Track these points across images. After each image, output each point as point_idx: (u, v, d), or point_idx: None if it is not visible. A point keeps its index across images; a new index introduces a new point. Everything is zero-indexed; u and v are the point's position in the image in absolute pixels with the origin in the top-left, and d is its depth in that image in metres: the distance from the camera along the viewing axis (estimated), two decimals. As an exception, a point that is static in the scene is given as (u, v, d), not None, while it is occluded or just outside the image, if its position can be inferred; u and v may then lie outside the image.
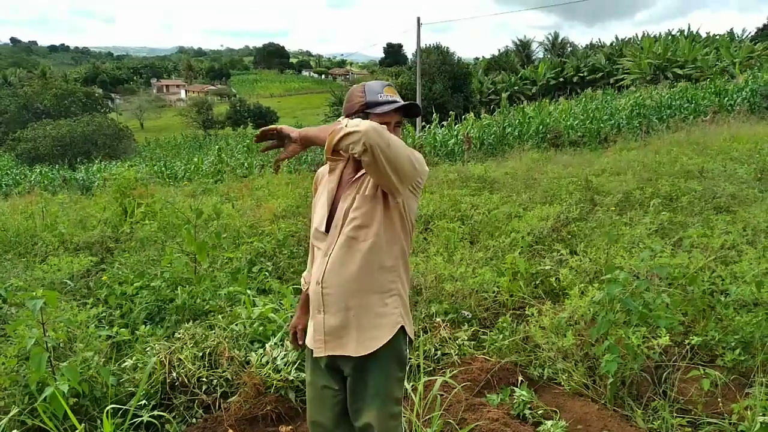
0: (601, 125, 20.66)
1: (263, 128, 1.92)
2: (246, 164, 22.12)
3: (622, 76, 48.07)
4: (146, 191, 8.62)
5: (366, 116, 2.11)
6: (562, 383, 3.58)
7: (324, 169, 2.36)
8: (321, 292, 2.15)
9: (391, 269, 2.16)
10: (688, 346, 3.59)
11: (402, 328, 2.18)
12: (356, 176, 2.19)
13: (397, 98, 2.17)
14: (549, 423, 3.11)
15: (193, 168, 23.38)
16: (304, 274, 2.55)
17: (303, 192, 9.64)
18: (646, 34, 53.01)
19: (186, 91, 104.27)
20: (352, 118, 2.01)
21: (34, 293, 2.97)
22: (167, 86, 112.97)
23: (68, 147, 35.26)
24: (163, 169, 24.21)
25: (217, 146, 26.91)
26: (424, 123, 25.51)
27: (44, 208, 8.36)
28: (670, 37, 50.68)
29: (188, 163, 25.46)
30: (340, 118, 2.02)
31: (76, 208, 9.38)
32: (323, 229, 2.19)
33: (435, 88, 40.01)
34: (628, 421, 3.20)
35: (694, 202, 6.63)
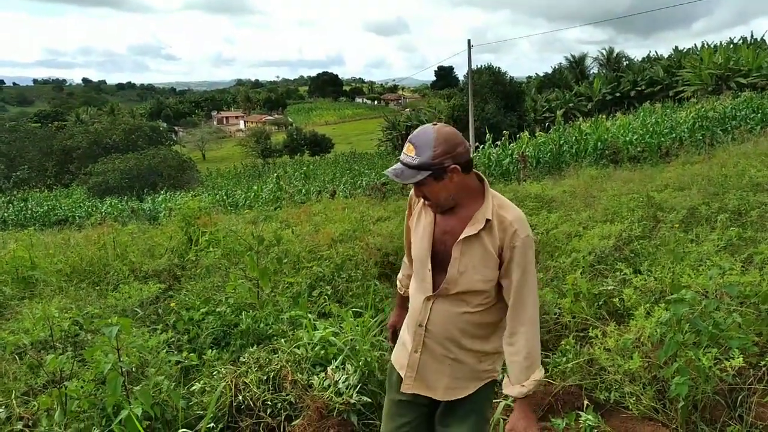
0: (662, 139, 20.03)
1: None
2: (304, 191, 22.60)
3: (682, 88, 46.53)
4: (209, 220, 8.93)
5: None
6: (630, 407, 3.46)
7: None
8: (422, 335, 2.18)
9: (492, 330, 2.20)
10: (764, 368, 3.41)
11: (492, 380, 2.27)
12: (462, 237, 2.08)
13: (405, 158, 2.01)
14: (617, 448, 3.01)
15: (253, 196, 24.08)
16: (399, 276, 2.68)
17: (359, 216, 9.76)
18: (705, 44, 51.30)
19: (245, 121, 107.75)
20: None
21: (109, 320, 3.13)
22: (227, 118, 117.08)
23: (135, 179, 36.96)
24: (224, 197, 25.05)
25: (275, 174, 27.58)
26: (477, 143, 25.42)
27: (115, 239, 8.78)
28: (731, 46, 48.84)
29: (248, 191, 26.22)
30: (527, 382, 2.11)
31: (144, 237, 9.80)
32: (429, 268, 2.15)
33: (488, 108, 39.91)
34: (702, 447, 3.07)
35: (765, 216, 6.33)
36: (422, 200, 2.20)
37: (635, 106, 38.59)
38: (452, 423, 2.22)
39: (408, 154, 1.99)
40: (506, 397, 3.38)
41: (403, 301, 2.63)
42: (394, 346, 2.57)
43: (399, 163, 2.03)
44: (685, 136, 20.13)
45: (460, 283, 2.08)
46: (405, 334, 2.31)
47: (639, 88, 51.98)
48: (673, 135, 20.40)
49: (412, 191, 2.28)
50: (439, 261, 2.12)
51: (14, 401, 3.49)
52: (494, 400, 3.37)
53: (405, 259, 2.62)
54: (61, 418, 3.18)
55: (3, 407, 3.39)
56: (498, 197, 2.12)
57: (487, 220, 2.04)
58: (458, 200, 2.09)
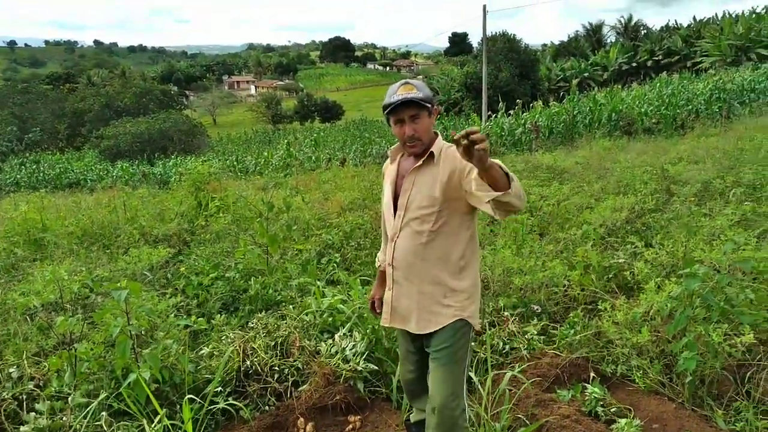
0: (678, 111, 19.67)
1: (471, 130, 1.87)
2: (314, 158, 22.52)
3: (700, 59, 45.49)
4: (219, 185, 8.94)
5: (387, 119, 2.41)
6: (637, 381, 3.46)
7: (386, 162, 2.69)
8: (391, 273, 2.50)
9: (450, 264, 2.42)
10: (775, 345, 3.39)
11: (461, 319, 2.44)
12: (416, 165, 2.43)
13: (409, 95, 2.31)
14: (623, 421, 3.01)
15: (263, 162, 24.05)
16: (378, 253, 2.90)
17: (368, 185, 9.72)
18: (726, 14, 49.94)
19: (256, 87, 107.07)
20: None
21: (119, 284, 3.14)
22: (238, 83, 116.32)
23: (146, 143, 36.95)
24: (234, 163, 25.04)
25: (285, 140, 27.50)
26: (490, 112, 25.13)
27: (125, 202, 8.82)
28: (753, 16, 47.53)
29: (258, 157, 26.18)
30: (509, 173, 2.09)
31: (155, 201, 9.83)
32: (391, 213, 2.51)
33: (501, 76, 39.26)
34: (707, 422, 3.07)
35: (781, 191, 6.23)
36: (388, 161, 2.64)
37: (651, 77, 37.87)
38: (430, 351, 2.49)
39: (410, 92, 2.33)
40: (512, 366, 3.39)
41: (383, 276, 2.81)
42: (375, 315, 2.96)
43: (397, 100, 2.31)
44: (702, 108, 19.77)
45: (410, 208, 2.41)
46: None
47: (656, 58, 50.90)
48: (689, 107, 20.04)
49: (386, 164, 2.69)
50: (400, 202, 2.47)
51: (25, 362, 3.54)
52: (499, 372, 3.38)
53: (382, 233, 2.81)
54: (71, 380, 3.23)
55: (15, 367, 3.44)
56: (448, 144, 2.42)
57: (431, 153, 2.39)
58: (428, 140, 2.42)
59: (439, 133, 2.53)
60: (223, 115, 79.62)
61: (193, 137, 41.42)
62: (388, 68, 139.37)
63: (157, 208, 8.85)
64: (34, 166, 31.57)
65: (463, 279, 2.45)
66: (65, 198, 13.08)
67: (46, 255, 6.33)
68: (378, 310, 2.81)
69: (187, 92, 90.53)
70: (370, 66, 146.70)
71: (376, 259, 2.92)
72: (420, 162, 2.41)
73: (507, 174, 2.06)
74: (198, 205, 8.07)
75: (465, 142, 1.86)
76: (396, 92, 2.35)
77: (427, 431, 2.54)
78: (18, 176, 28.66)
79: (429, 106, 2.37)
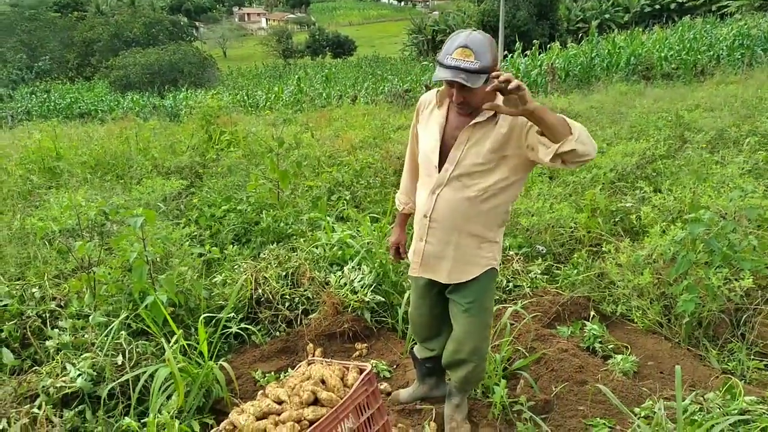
0: (699, 56, 19.12)
1: (508, 77, 1.84)
2: (324, 95, 22.28)
3: (727, 2, 43.82)
4: (229, 119, 8.93)
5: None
6: (636, 320, 3.56)
7: (429, 97, 2.44)
8: (427, 225, 2.37)
9: (493, 217, 2.34)
10: (773, 290, 3.46)
11: (492, 268, 2.43)
12: (472, 123, 2.22)
13: (463, 63, 2.02)
14: (619, 357, 3.13)
15: (273, 97, 23.84)
16: (398, 195, 2.76)
17: (380, 123, 9.68)
18: (759, -46, 47.71)
19: (267, 19, 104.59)
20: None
21: (135, 212, 3.23)
22: (249, 15, 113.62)
23: (156, 75, 36.62)
24: (245, 98, 24.82)
25: (296, 76, 27.14)
26: (506, 52, 24.56)
27: (137, 134, 8.86)
28: (787, -43, 45.40)
29: (269, 92, 25.93)
30: (560, 115, 2.00)
31: (166, 134, 9.86)
32: (436, 163, 2.31)
33: (519, 15, 38.08)
34: (701, 361, 3.18)
35: (796, 141, 6.17)
36: (432, 104, 2.39)
37: (675, 20, 36.58)
38: (458, 301, 2.46)
39: (467, 59, 2.02)
40: (515, 302, 3.50)
41: (404, 219, 2.79)
42: (398, 261, 2.92)
43: (454, 69, 2.03)
44: (724, 54, 19.19)
45: (462, 164, 2.25)
46: (415, 229, 2.50)
47: (680, 1, 49.07)
48: (711, 53, 19.46)
49: (422, 97, 2.47)
50: (446, 154, 2.29)
51: (47, 283, 3.69)
52: (502, 306, 3.49)
53: (405, 173, 2.71)
54: (90, 301, 3.37)
55: (37, 287, 3.58)
56: None
57: (495, 114, 2.16)
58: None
59: None
60: (233, 48, 78.20)
61: (204, 70, 40.94)
62: (402, 3, 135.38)
63: (168, 140, 8.89)
64: (45, 96, 31.51)
65: (500, 231, 2.43)
66: (77, 128, 13.12)
67: (61, 183, 6.43)
68: (402, 257, 2.77)
69: (197, 23, 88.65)
70: (384, 0, 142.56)
71: (396, 200, 2.78)
72: (482, 119, 2.20)
73: (565, 120, 1.98)
74: (209, 138, 8.10)
75: (496, 83, 1.85)
76: (452, 53, 2.03)
77: (454, 373, 2.60)
78: (29, 105, 28.64)
79: (486, 75, 2.04)
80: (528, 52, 21.99)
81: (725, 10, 41.85)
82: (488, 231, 2.36)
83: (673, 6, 48.69)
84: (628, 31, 25.92)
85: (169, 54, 39.08)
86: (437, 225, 2.35)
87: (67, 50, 47.49)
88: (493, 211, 2.32)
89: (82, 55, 47.46)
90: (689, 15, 37.72)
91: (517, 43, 23.34)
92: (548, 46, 24.04)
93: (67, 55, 47.19)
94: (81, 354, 2.89)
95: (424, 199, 2.37)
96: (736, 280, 3.17)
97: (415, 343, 2.90)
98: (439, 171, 2.30)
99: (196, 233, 4.66)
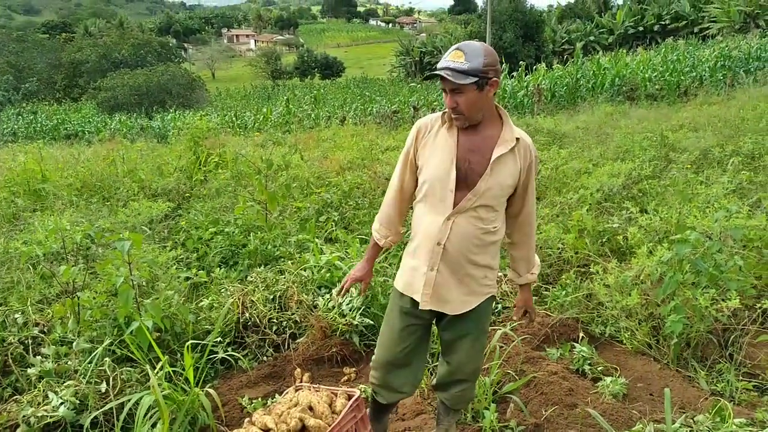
0: (682, 77, 19.48)
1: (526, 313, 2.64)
2: (313, 115, 22.35)
3: (708, 24, 44.65)
4: (218, 141, 8.93)
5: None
6: (624, 342, 3.56)
7: (428, 121, 2.31)
8: (440, 253, 2.25)
9: (498, 247, 2.37)
10: (759, 310, 3.47)
11: (492, 295, 2.44)
12: (497, 156, 2.18)
13: (452, 63, 2.06)
14: (608, 379, 3.12)
15: (262, 118, 23.87)
16: (377, 226, 2.51)
17: (368, 144, 9.71)
18: (737, -22, 48.85)
19: (255, 41, 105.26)
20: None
21: (121, 235, 3.20)
22: (237, 36, 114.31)
23: (145, 96, 36.55)
24: (233, 119, 24.82)
25: (285, 97, 27.23)
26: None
27: (124, 155, 8.82)
28: (765, -19, 46.50)
29: (257, 113, 25.97)
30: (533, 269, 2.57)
31: (153, 155, 9.83)
32: (452, 187, 2.19)
33: (505, 36, 38.70)
34: (690, 382, 3.18)
35: (779, 161, 6.25)
36: (435, 127, 2.27)
37: (658, 42, 37.27)
38: (457, 332, 2.39)
39: (456, 60, 2.06)
40: (504, 324, 3.49)
41: (377, 253, 2.59)
42: (343, 294, 2.65)
43: (444, 69, 2.07)
44: (706, 75, 19.57)
45: (484, 196, 2.19)
46: (413, 260, 2.34)
47: (663, 23, 49.99)
48: (694, 74, 19.84)
49: (420, 121, 2.32)
50: (462, 179, 2.19)
51: (30, 308, 3.62)
52: (491, 329, 3.47)
53: (390, 202, 2.45)
54: (74, 326, 3.31)
55: (20, 313, 3.52)
56: (520, 132, 2.28)
57: (517, 139, 2.20)
58: (484, 118, 2.20)
59: (504, 113, 2.26)
60: (221, 69, 78.49)
61: (192, 91, 40.95)
62: (390, 25, 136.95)
63: (155, 161, 8.87)
64: (32, 117, 31.31)
65: (498, 257, 2.41)
66: (63, 149, 13.04)
67: (46, 206, 6.37)
68: (355, 291, 2.70)
69: (185, 45, 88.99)
70: (372, 22, 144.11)
71: (374, 231, 2.53)
72: (505, 150, 2.17)
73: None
74: (197, 159, 8.08)
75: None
76: (446, 56, 2.10)
77: (448, 391, 2.51)
78: (15, 126, 28.45)
79: (475, 78, 2.05)
80: (514, 74, 22.28)
81: (707, 32, 42.73)
82: (493, 260, 2.35)
83: (656, 28, 49.66)
84: (613, 53, 26.36)
85: (158, 75, 39.09)
86: (451, 256, 2.24)
87: (54, 72, 47.35)
88: (499, 241, 2.36)
89: (69, 77, 47.35)
90: (672, 37, 38.48)
91: (504, 64, 23.61)
92: (534, 67, 24.36)
93: (55, 77, 47.05)
94: (64, 381, 2.83)
95: (438, 226, 2.23)
96: (723, 300, 3.18)
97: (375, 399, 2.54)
98: (455, 196, 2.20)
99: (182, 256, 4.62)
